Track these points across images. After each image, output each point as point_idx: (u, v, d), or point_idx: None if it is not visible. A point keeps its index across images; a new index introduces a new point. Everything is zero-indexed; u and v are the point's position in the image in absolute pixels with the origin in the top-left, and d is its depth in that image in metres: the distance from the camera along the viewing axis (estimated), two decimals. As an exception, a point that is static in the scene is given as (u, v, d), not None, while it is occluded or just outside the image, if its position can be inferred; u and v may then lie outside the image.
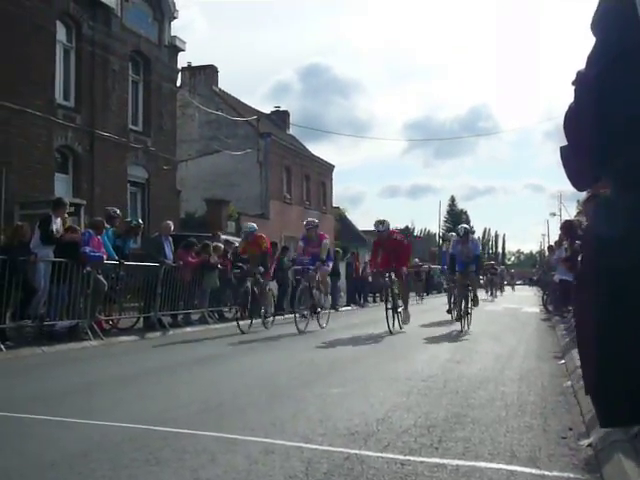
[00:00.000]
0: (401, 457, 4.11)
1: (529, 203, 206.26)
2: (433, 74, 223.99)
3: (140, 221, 16.17)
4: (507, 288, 53.03)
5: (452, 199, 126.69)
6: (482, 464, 3.97)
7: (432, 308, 25.19)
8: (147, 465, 3.93)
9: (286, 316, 18.96)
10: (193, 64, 36.44)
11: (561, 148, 4.67)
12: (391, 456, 4.13)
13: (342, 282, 26.35)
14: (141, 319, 14.00)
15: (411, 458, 4.09)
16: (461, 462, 4.01)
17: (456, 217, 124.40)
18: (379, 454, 4.18)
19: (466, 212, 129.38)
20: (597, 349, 3.31)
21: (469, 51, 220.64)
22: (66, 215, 12.70)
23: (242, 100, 41.24)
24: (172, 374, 7.90)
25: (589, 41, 3.66)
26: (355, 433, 4.72)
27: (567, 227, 12.84)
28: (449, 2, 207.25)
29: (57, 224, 11.79)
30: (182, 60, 31.55)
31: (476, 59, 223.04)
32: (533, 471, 3.86)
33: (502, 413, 5.47)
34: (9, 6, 17.40)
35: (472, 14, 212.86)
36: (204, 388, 6.81)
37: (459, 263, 15.23)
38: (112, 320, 13.49)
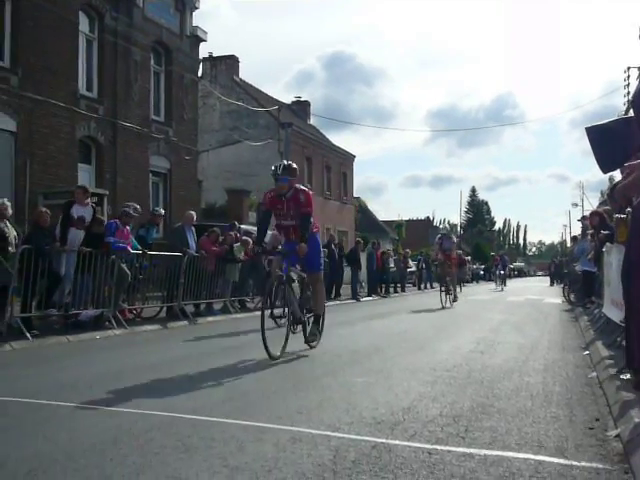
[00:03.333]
0: (428, 446, 4.12)
1: (552, 193, 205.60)
2: (459, 62, 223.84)
3: (162, 210, 16.28)
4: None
5: (473, 190, 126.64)
6: (510, 454, 3.97)
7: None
8: (177, 452, 3.97)
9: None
10: (219, 51, 36.67)
11: (588, 129, 4.60)
12: (418, 445, 4.15)
13: (363, 272, 26.35)
14: (164, 308, 14.10)
15: (438, 447, 4.10)
16: (489, 452, 4.01)
17: (477, 208, 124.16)
18: (406, 443, 4.20)
19: (487, 202, 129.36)
20: None
21: (497, 39, 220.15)
22: (93, 204, 12.71)
23: (265, 89, 41.43)
24: (197, 363, 7.95)
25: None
26: (381, 422, 4.74)
27: (596, 217, 12.66)
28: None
29: (81, 211, 11.85)
30: (204, 50, 31.66)
31: (503, 47, 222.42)
32: (561, 461, 3.85)
33: (528, 403, 5.47)
34: (33, -3, 17.52)
35: (499, 2, 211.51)
36: (229, 377, 6.85)
37: None
38: (135, 309, 13.60)
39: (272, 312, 8.79)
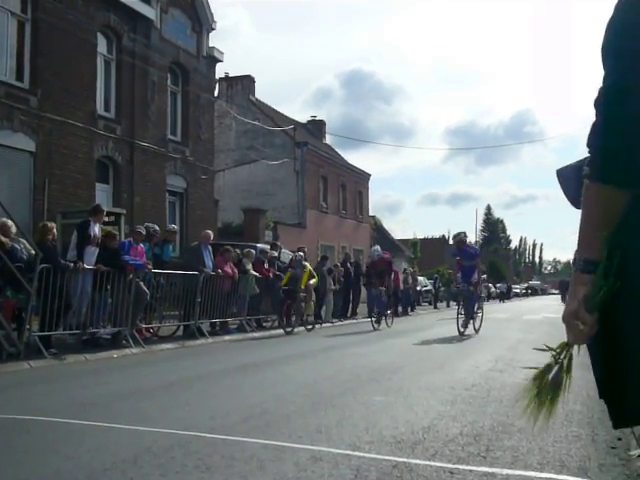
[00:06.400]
0: (450, 466, 4.10)
1: (570, 211, 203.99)
2: (478, 79, 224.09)
3: (174, 226, 16.43)
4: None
5: (488, 208, 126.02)
6: (532, 473, 3.94)
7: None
8: (197, 471, 3.97)
9: (324, 325, 19.02)
10: (238, 68, 37.10)
11: (558, 171, 4.55)
12: (439, 464, 4.12)
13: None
14: (181, 327, 14.12)
15: (460, 467, 4.08)
16: (510, 471, 3.98)
17: (492, 226, 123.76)
18: (427, 462, 4.17)
19: (502, 221, 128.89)
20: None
21: (516, 56, 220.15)
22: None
23: (283, 107, 41.76)
24: (215, 381, 7.96)
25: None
26: (401, 441, 4.72)
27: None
28: (498, 9, 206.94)
29: (95, 230, 11.91)
30: (220, 70, 31.89)
31: (522, 64, 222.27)
32: (584, 481, 3.82)
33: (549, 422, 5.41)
34: (52, 19, 17.72)
35: (519, 20, 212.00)
36: (248, 395, 6.85)
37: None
38: (152, 328, 13.63)
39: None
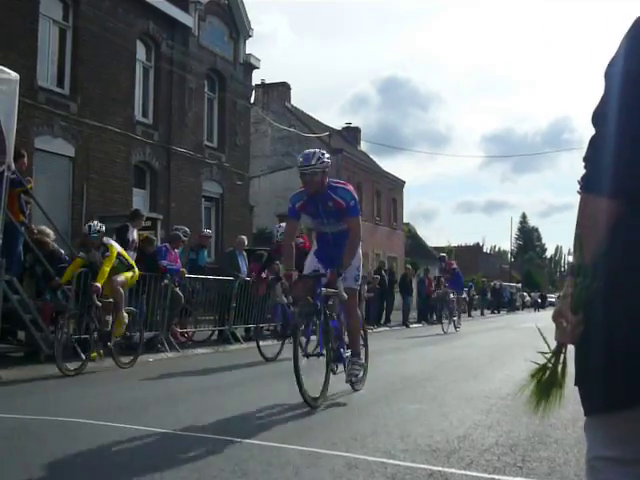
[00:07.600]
0: (485, 475, 4.08)
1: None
2: (516, 86, 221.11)
3: (208, 231, 16.56)
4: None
5: (523, 216, 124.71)
6: (569, 485, 3.92)
7: (504, 326, 24.96)
8: (234, 476, 4.00)
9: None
10: (275, 73, 37.33)
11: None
12: (475, 474, 4.11)
13: (413, 298, 26.31)
14: (216, 332, 14.21)
15: (495, 477, 4.06)
16: (547, 482, 3.96)
17: (527, 234, 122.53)
18: (463, 471, 4.16)
19: (537, 229, 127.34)
20: None
21: (554, 63, 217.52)
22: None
23: (319, 113, 41.83)
24: (249, 387, 8.00)
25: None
26: (437, 450, 4.70)
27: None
28: (533, 14, 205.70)
29: (134, 234, 12.06)
30: (257, 77, 32.08)
31: (561, 71, 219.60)
32: (622, 494, 3.77)
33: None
34: (93, 27, 18.00)
35: (556, 27, 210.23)
36: (282, 402, 6.86)
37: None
38: (187, 333, 13.73)
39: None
